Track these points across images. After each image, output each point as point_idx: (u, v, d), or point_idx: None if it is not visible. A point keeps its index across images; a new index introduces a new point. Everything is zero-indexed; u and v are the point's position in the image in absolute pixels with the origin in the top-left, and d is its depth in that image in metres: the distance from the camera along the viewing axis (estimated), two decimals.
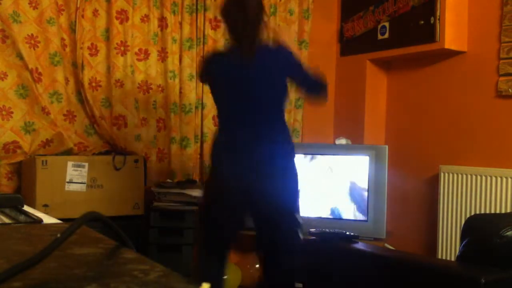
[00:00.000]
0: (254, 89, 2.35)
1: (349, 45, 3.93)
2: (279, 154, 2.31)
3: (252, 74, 2.35)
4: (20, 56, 3.01)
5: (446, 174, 3.26)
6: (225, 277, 3.42)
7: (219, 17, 3.58)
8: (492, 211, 2.99)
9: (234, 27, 2.35)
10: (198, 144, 3.60)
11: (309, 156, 3.43)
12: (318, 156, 3.42)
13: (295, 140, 3.89)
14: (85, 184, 2.91)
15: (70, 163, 2.89)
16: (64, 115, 3.18)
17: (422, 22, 3.33)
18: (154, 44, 3.42)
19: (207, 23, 3.57)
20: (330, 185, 3.38)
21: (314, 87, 2.48)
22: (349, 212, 3.33)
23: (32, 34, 3.05)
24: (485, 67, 3.18)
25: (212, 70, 2.43)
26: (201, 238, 2.52)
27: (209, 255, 2.41)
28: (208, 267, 2.39)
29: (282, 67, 2.41)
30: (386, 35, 3.60)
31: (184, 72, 3.50)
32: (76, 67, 3.19)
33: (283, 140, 2.36)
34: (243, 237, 3.59)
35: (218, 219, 2.35)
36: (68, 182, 2.88)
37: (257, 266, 3.64)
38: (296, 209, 2.34)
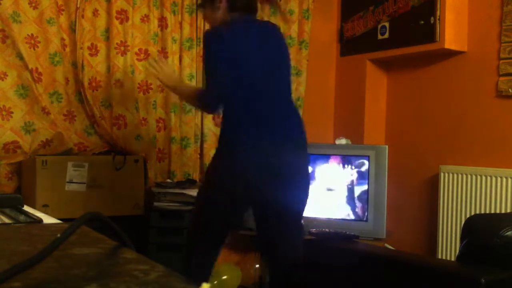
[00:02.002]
0: (281, 68, 2.29)
1: (349, 45, 3.93)
2: (304, 155, 2.28)
3: (279, 49, 2.30)
4: (20, 56, 3.01)
5: (446, 174, 3.26)
6: (224, 277, 3.43)
7: None
8: (492, 211, 2.99)
9: None
10: (198, 144, 3.60)
11: (309, 156, 3.43)
12: (318, 156, 3.42)
13: None
14: (85, 184, 2.91)
15: (70, 163, 2.89)
16: (64, 115, 3.18)
17: (422, 22, 3.33)
18: (154, 44, 3.42)
19: (207, 23, 3.57)
20: (330, 185, 3.38)
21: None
22: (349, 212, 3.33)
23: (32, 34, 3.05)
24: (485, 67, 3.18)
25: (237, 44, 2.21)
26: (199, 224, 2.35)
27: (206, 243, 2.31)
28: (204, 256, 2.31)
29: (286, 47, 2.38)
30: (386, 35, 3.60)
31: (184, 72, 3.50)
32: (76, 67, 3.19)
33: (305, 139, 2.30)
34: (242, 237, 3.60)
35: (226, 207, 2.23)
36: (68, 182, 2.88)
37: (257, 266, 3.64)
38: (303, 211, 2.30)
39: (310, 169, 3.40)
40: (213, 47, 2.19)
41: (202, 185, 2.51)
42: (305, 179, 2.27)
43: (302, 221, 2.31)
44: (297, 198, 2.23)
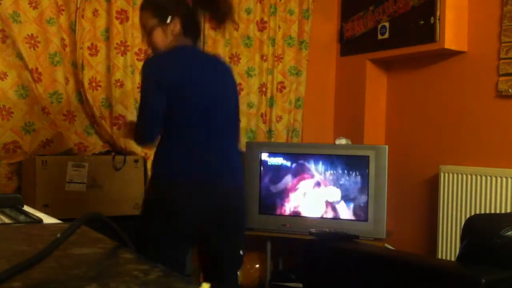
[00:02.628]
0: (229, 97, 2.15)
1: (349, 45, 3.93)
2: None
3: (224, 78, 2.16)
4: (20, 56, 3.01)
5: (446, 174, 3.26)
6: None
7: None
8: (492, 211, 2.99)
9: (194, 21, 2.14)
10: None
11: (309, 156, 3.44)
12: (318, 156, 3.42)
13: (295, 140, 3.90)
14: (85, 184, 2.91)
15: (70, 163, 2.89)
16: (64, 115, 3.18)
17: (422, 22, 3.33)
18: None
19: (207, 23, 3.57)
20: (330, 185, 3.38)
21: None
22: (349, 212, 3.33)
23: (32, 34, 3.04)
24: (485, 67, 3.18)
25: (179, 73, 2.05)
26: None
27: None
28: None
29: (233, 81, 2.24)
30: (386, 35, 3.60)
31: None
32: (76, 67, 3.19)
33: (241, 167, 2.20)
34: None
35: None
36: (68, 182, 2.88)
37: (257, 266, 3.65)
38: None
39: (310, 169, 3.40)
40: (148, 71, 2.04)
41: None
42: (243, 218, 2.21)
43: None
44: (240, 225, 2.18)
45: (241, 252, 2.22)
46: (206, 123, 2.06)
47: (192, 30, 2.15)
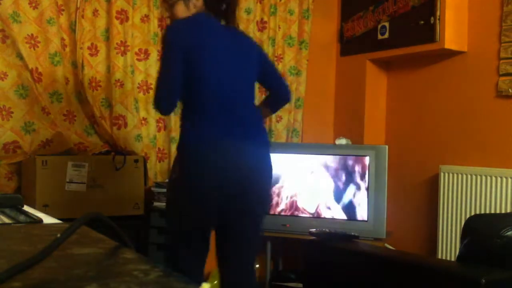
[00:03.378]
0: (249, 67, 2.18)
1: (349, 45, 3.93)
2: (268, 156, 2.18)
3: (244, 47, 2.19)
4: (20, 56, 3.01)
5: (446, 174, 3.26)
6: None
7: None
8: (492, 211, 2.99)
9: None
10: None
11: (309, 156, 3.44)
12: (318, 156, 3.42)
13: (295, 140, 3.90)
14: (85, 184, 2.91)
15: (70, 163, 2.89)
16: (64, 115, 3.18)
17: (422, 22, 3.33)
18: (154, 44, 3.42)
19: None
20: (330, 185, 3.38)
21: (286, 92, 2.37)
22: (349, 212, 3.33)
23: (32, 34, 3.05)
24: (485, 67, 3.18)
25: (198, 37, 2.07)
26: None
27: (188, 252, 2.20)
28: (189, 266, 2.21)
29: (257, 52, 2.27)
30: (386, 35, 3.60)
31: None
32: (76, 67, 3.19)
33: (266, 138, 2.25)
34: None
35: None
36: (68, 182, 2.88)
37: (257, 266, 3.64)
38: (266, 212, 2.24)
39: (310, 169, 3.40)
40: (169, 36, 2.06)
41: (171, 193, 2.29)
42: (269, 179, 2.19)
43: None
44: (261, 205, 2.17)
45: (259, 234, 2.20)
46: (224, 91, 2.09)
47: (214, 5, 2.14)
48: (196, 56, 2.04)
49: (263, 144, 2.18)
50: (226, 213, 2.10)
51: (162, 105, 2.08)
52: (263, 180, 2.16)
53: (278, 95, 2.39)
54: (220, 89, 2.08)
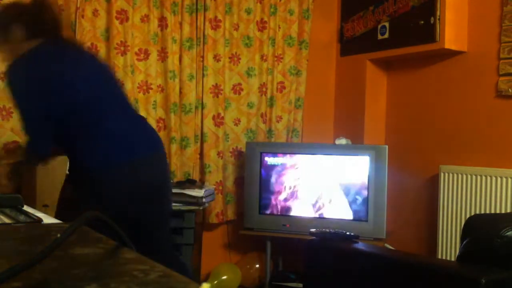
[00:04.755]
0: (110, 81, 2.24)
1: (349, 45, 3.93)
2: None
3: (98, 65, 2.24)
4: None
5: (446, 174, 3.26)
6: (224, 277, 3.43)
7: (219, 17, 3.58)
8: (492, 211, 2.99)
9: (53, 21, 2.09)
10: (198, 144, 3.60)
11: (309, 156, 3.44)
12: (318, 156, 3.42)
13: (295, 140, 3.90)
14: None
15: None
16: None
17: (422, 22, 3.33)
18: (154, 44, 3.42)
19: (207, 23, 3.57)
20: (330, 185, 3.38)
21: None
22: (349, 212, 3.33)
23: None
24: (485, 67, 3.18)
25: (49, 70, 2.02)
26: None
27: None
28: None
29: None
30: (386, 35, 3.60)
31: (184, 72, 3.50)
32: None
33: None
34: (242, 237, 3.60)
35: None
36: None
37: (257, 266, 3.64)
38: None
39: (310, 169, 3.40)
40: (19, 82, 1.97)
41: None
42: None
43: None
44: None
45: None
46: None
47: (42, 29, 2.06)
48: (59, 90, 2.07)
49: None
50: None
51: (43, 150, 2.21)
52: None
53: None
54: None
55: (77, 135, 2.08)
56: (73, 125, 2.07)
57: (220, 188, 3.61)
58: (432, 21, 3.27)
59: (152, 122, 3.42)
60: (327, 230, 2.68)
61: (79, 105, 2.05)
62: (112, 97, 2.16)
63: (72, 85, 2.04)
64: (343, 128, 3.94)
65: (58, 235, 0.66)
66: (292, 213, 3.42)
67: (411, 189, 3.60)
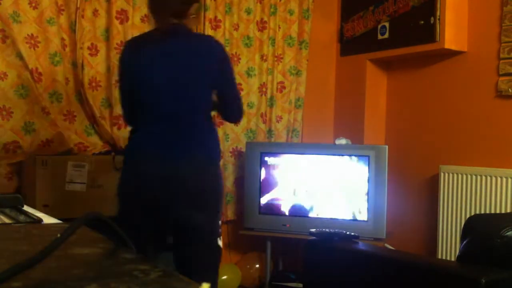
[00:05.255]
0: (188, 86, 2.18)
1: (349, 45, 3.93)
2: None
3: (188, 65, 2.17)
4: (20, 56, 3.01)
5: (446, 174, 3.26)
6: (224, 277, 3.43)
7: (219, 17, 3.58)
8: (492, 211, 2.99)
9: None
10: None
11: (309, 156, 3.44)
12: (318, 156, 3.42)
13: (295, 140, 3.90)
14: (85, 184, 2.90)
15: (70, 163, 2.89)
16: (64, 115, 3.17)
17: (422, 22, 3.33)
18: None
19: (207, 23, 3.57)
20: (330, 185, 3.38)
21: (238, 109, 2.36)
22: (349, 212, 3.33)
23: (32, 34, 3.04)
24: (485, 67, 3.18)
25: (129, 60, 2.22)
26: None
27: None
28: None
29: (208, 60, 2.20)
30: (386, 35, 3.60)
31: None
32: (76, 67, 3.19)
33: (209, 157, 2.24)
34: (242, 237, 3.60)
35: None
36: (68, 182, 2.88)
37: (257, 266, 3.64)
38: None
39: (310, 169, 3.40)
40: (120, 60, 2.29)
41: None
42: (210, 197, 2.21)
43: (219, 241, 2.28)
44: (201, 217, 2.18)
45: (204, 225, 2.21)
46: (155, 102, 2.24)
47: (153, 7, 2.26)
48: (131, 80, 2.25)
49: (194, 157, 2.17)
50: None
51: (126, 121, 2.41)
52: (181, 190, 2.15)
53: (223, 116, 2.50)
54: (152, 101, 2.17)
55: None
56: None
57: None
58: (432, 21, 3.27)
59: None
60: (327, 230, 2.68)
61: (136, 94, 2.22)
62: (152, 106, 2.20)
63: (138, 81, 2.20)
64: (343, 128, 3.94)
65: (58, 235, 0.66)
66: (292, 213, 3.42)
67: (411, 189, 3.60)
